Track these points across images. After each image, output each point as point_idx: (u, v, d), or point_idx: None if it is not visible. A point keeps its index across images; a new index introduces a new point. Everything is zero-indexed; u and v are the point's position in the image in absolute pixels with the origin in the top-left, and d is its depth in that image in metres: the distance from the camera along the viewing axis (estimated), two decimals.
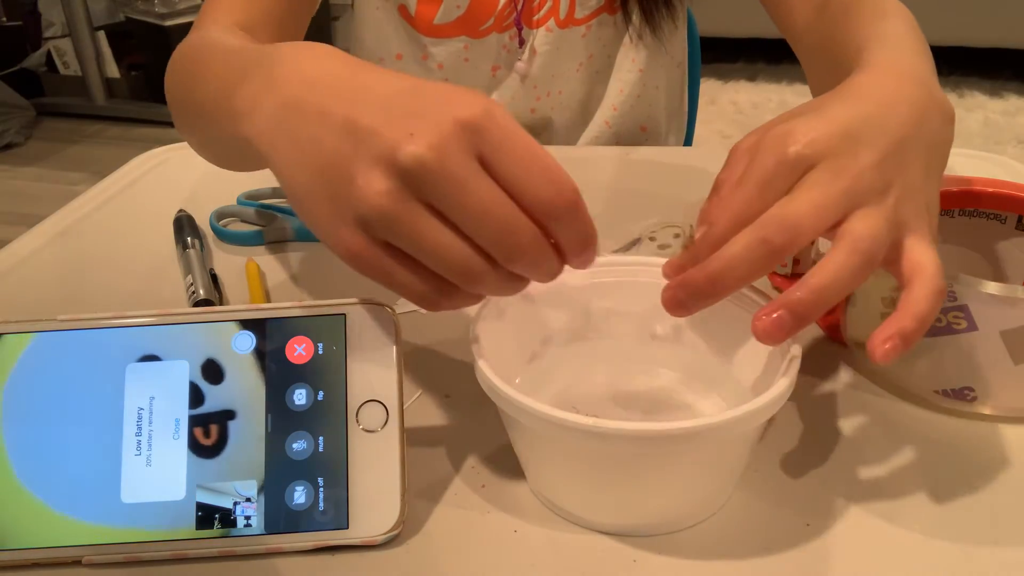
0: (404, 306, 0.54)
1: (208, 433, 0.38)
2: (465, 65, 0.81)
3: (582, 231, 0.33)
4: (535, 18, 0.80)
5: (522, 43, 0.80)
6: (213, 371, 0.38)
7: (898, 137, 0.37)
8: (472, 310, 0.36)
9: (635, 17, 0.82)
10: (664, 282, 0.37)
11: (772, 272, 0.53)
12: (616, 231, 0.61)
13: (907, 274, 0.35)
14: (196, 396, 0.38)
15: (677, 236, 0.60)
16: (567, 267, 0.35)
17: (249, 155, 0.38)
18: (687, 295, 0.35)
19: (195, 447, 0.37)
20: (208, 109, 0.44)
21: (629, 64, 0.85)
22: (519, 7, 0.79)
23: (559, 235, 0.33)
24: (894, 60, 0.43)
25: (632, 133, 0.89)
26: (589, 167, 0.76)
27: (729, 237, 0.34)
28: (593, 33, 0.82)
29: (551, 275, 0.34)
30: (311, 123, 0.34)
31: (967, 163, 0.74)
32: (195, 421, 0.38)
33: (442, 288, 0.34)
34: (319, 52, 0.37)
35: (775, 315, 0.34)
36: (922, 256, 0.35)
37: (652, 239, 0.60)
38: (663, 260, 0.40)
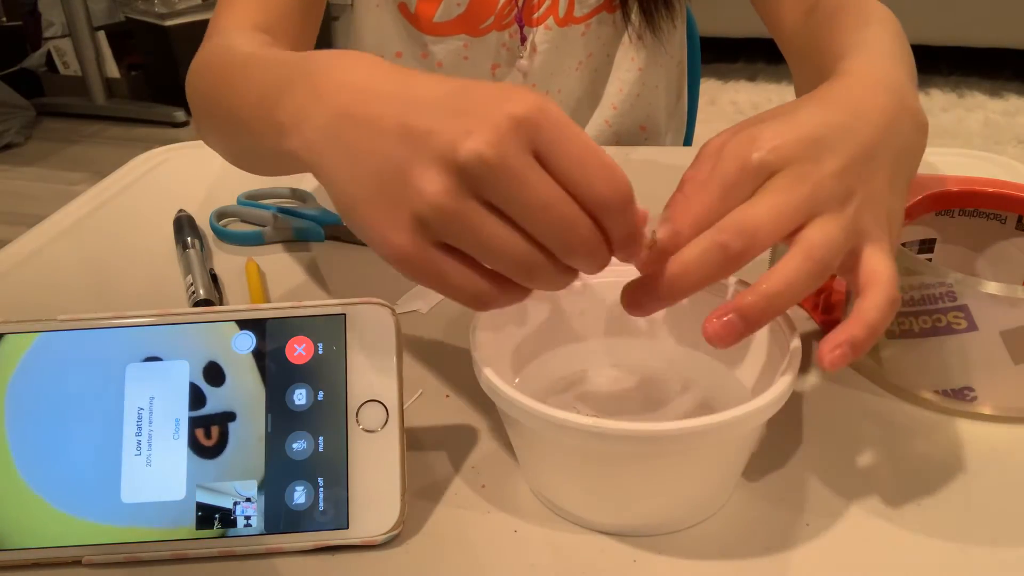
0: (404, 306, 0.54)
1: (208, 433, 0.38)
2: (465, 63, 0.81)
3: (632, 224, 0.33)
4: (535, 16, 0.80)
5: (523, 40, 0.80)
6: (213, 371, 0.38)
7: (865, 145, 0.37)
8: (472, 310, 0.37)
9: (634, 16, 0.82)
10: None
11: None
12: None
13: (862, 283, 0.35)
14: (196, 396, 0.38)
15: None
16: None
17: (290, 166, 0.38)
18: (644, 296, 0.35)
19: (195, 447, 0.37)
20: (245, 121, 0.43)
21: (628, 63, 0.85)
22: (519, 5, 0.79)
23: (610, 228, 0.33)
24: (870, 68, 0.43)
25: (632, 132, 0.89)
26: None
27: (689, 240, 0.34)
28: (592, 32, 0.82)
29: (602, 267, 0.34)
30: (363, 132, 0.34)
31: (967, 163, 0.74)
32: (195, 421, 0.38)
33: (497, 285, 0.34)
34: (363, 61, 0.37)
35: (725, 319, 0.34)
36: (878, 265, 0.35)
37: None
38: None
